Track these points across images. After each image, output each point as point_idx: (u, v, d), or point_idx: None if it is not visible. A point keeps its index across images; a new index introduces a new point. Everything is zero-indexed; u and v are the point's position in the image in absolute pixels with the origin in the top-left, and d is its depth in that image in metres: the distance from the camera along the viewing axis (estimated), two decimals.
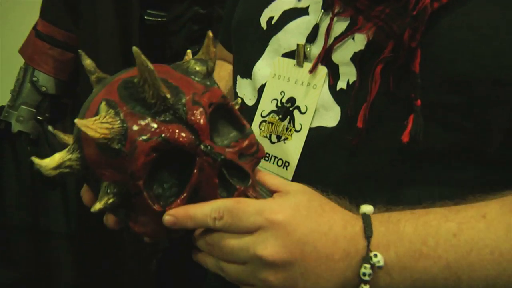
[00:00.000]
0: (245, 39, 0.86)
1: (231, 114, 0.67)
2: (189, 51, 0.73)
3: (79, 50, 0.71)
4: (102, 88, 0.65)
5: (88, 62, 0.70)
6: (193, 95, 0.61)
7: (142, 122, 0.59)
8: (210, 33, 0.68)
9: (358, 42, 0.71)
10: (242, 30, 0.87)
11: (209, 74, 0.66)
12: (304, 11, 0.78)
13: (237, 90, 0.86)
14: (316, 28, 0.75)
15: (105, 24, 1.53)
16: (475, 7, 0.64)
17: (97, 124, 0.58)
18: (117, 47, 1.55)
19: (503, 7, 0.64)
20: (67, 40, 1.61)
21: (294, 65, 0.77)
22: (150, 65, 0.58)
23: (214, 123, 0.64)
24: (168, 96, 0.59)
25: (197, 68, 0.66)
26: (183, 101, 0.60)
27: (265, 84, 0.80)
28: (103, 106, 0.61)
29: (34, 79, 1.62)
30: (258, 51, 0.82)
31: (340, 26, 0.73)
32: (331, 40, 0.73)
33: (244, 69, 0.85)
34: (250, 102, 0.82)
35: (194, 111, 0.60)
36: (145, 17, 1.58)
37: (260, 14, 0.83)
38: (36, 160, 0.64)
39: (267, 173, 0.69)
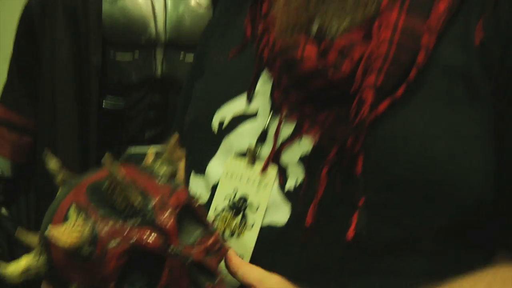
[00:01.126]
0: (197, 140, 0.84)
1: (196, 213, 0.65)
2: (150, 151, 0.72)
3: (45, 153, 0.69)
4: (69, 190, 0.63)
5: (52, 164, 0.68)
6: (160, 198, 0.60)
7: (112, 227, 0.58)
8: (174, 136, 0.68)
9: (305, 145, 0.71)
10: (194, 132, 0.86)
11: (173, 176, 0.66)
12: (253, 115, 0.77)
13: (190, 187, 0.84)
14: (265, 131, 0.75)
15: (63, 110, 1.52)
16: (408, 116, 0.67)
17: (67, 232, 0.56)
18: (75, 132, 1.52)
19: (433, 116, 0.66)
20: (25, 125, 1.59)
21: (246, 165, 0.75)
22: (120, 175, 0.57)
23: (180, 222, 0.62)
24: (137, 202, 0.58)
25: (162, 171, 0.66)
26: (152, 204, 0.59)
27: (218, 182, 0.78)
28: (72, 210, 0.59)
29: None
30: (211, 152, 0.80)
31: (288, 129, 0.73)
32: (280, 142, 0.73)
33: (197, 167, 0.83)
34: (203, 198, 0.81)
35: (163, 215, 0.59)
36: (104, 104, 1.57)
37: (212, 117, 0.81)
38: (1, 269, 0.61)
39: (245, 263, 0.67)
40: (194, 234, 0.65)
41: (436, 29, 0.68)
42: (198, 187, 0.82)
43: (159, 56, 1.60)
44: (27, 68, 1.57)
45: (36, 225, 1.52)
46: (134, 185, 0.59)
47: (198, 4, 1.66)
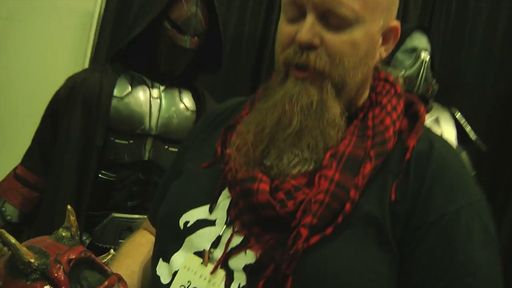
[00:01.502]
0: (166, 233, 0.84)
1: (94, 264, 0.66)
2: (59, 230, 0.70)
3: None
4: None
5: None
6: (56, 255, 0.61)
7: (16, 284, 0.59)
8: (69, 207, 0.68)
9: (249, 256, 0.72)
10: (164, 225, 0.86)
11: (73, 237, 0.67)
12: (212, 223, 0.78)
13: (157, 268, 0.82)
14: (219, 238, 0.76)
15: (67, 177, 1.54)
16: (334, 251, 0.69)
17: None
18: (73, 194, 1.54)
19: (352, 253, 0.69)
20: (36, 183, 1.60)
21: (201, 263, 0.75)
22: (11, 240, 0.58)
23: (76, 272, 0.63)
24: (32, 260, 0.59)
25: (64, 234, 0.67)
26: (48, 261, 0.60)
27: (177, 271, 0.78)
28: None
29: (3, 209, 1.59)
30: (176, 245, 0.80)
31: (237, 240, 0.74)
32: (229, 249, 0.74)
33: (164, 256, 0.82)
34: (165, 281, 0.80)
35: (55, 268, 0.60)
36: (99, 175, 1.59)
37: (180, 217, 0.81)
38: None
39: None
40: (94, 280, 0.64)
41: (361, 186, 0.71)
42: (163, 271, 0.81)
43: (148, 145, 1.63)
44: (46, 140, 1.60)
45: None
46: (39, 248, 0.61)
47: (186, 107, 1.71)
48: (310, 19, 0.73)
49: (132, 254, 0.94)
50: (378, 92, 0.83)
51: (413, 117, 0.80)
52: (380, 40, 0.80)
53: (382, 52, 0.81)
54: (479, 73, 2.23)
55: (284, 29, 0.78)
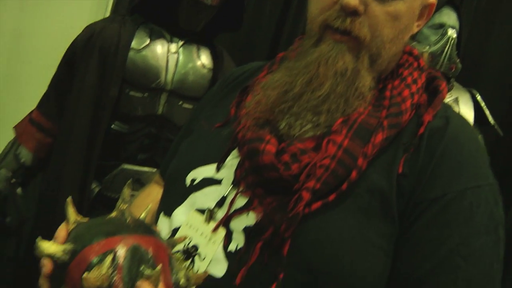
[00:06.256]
0: (172, 188, 0.86)
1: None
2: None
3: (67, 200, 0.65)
4: (114, 234, 0.59)
5: (70, 211, 0.65)
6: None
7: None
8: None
9: (250, 218, 0.72)
10: (171, 181, 0.87)
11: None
12: (218, 182, 0.78)
13: (157, 223, 0.83)
14: (224, 198, 0.76)
15: (80, 124, 1.57)
16: (334, 218, 0.69)
17: (95, 275, 0.54)
18: (84, 143, 1.56)
19: (353, 223, 0.69)
20: (50, 129, 1.64)
21: (203, 221, 0.76)
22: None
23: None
24: None
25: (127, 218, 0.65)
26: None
27: (179, 227, 0.79)
28: (107, 261, 0.56)
29: (18, 152, 1.64)
30: (179, 200, 0.81)
31: (241, 201, 0.74)
32: (232, 210, 0.74)
33: (166, 210, 0.83)
34: (164, 236, 0.78)
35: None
36: (112, 126, 1.62)
37: (187, 174, 0.82)
38: (39, 242, 0.58)
39: None
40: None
41: (370, 155, 0.71)
42: (163, 226, 0.82)
43: (162, 99, 1.64)
44: (62, 87, 1.62)
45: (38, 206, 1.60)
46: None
47: (203, 65, 1.71)
48: None
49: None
50: (400, 64, 0.82)
51: (433, 93, 0.80)
52: (417, 15, 0.79)
53: (414, 27, 0.80)
54: (507, 56, 2.18)
55: None
